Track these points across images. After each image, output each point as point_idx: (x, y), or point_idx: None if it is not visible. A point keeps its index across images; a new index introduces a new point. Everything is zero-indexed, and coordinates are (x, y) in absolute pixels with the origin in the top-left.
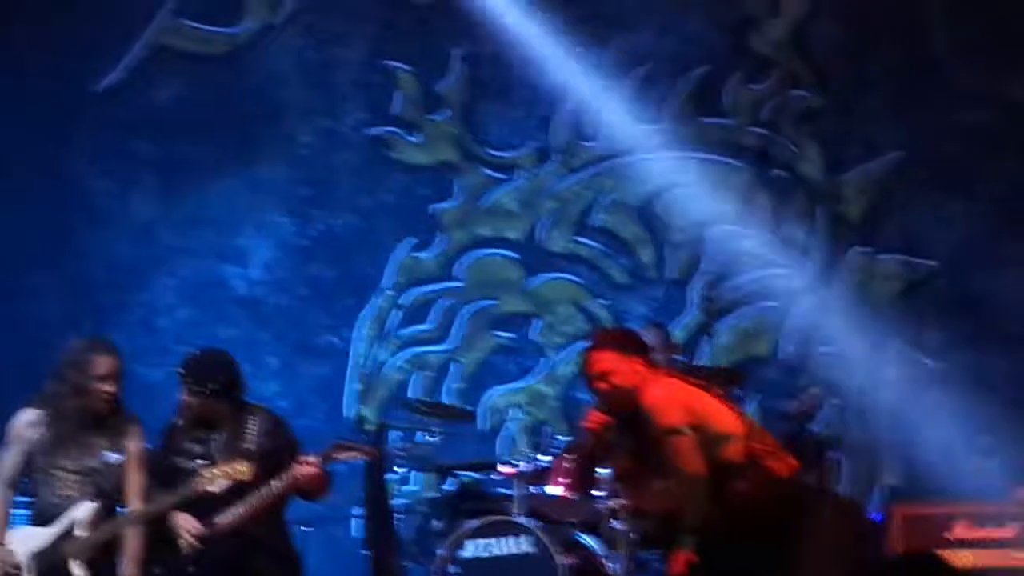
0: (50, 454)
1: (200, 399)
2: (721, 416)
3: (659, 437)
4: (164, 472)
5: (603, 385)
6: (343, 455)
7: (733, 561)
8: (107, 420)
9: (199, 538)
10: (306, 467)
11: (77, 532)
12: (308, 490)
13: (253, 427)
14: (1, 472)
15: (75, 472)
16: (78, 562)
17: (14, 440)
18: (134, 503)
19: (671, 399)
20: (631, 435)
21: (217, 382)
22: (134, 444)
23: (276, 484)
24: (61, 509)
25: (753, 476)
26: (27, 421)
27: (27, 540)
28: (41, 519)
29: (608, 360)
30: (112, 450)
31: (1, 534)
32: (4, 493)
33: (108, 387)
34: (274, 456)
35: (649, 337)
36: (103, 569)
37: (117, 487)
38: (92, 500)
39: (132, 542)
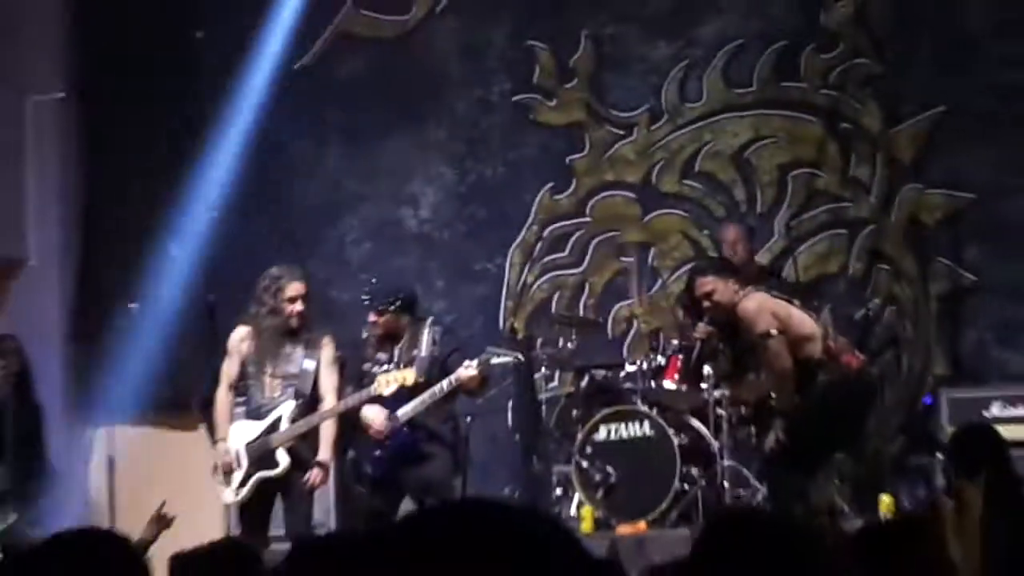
0: (258, 363)
1: (385, 316)
2: (802, 321)
3: (754, 341)
4: (358, 376)
5: (708, 303)
6: (496, 360)
7: (816, 437)
8: (301, 334)
9: (383, 428)
10: (467, 371)
11: (282, 425)
12: (470, 389)
13: (426, 338)
14: (224, 379)
15: (279, 377)
16: (283, 449)
17: (232, 352)
18: (329, 400)
19: (761, 309)
20: (731, 341)
21: (398, 300)
22: (326, 352)
23: (444, 384)
24: (269, 408)
25: (830, 369)
26: (239, 336)
27: (242, 433)
28: (253, 416)
29: (710, 283)
30: (307, 358)
31: (225, 430)
32: (227, 395)
33: (298, 307)
34: (443, 361)
35: (730, 233)
36: (303, 454)
37: (313, 387)
38: (292, 399)
39: (327, 432)
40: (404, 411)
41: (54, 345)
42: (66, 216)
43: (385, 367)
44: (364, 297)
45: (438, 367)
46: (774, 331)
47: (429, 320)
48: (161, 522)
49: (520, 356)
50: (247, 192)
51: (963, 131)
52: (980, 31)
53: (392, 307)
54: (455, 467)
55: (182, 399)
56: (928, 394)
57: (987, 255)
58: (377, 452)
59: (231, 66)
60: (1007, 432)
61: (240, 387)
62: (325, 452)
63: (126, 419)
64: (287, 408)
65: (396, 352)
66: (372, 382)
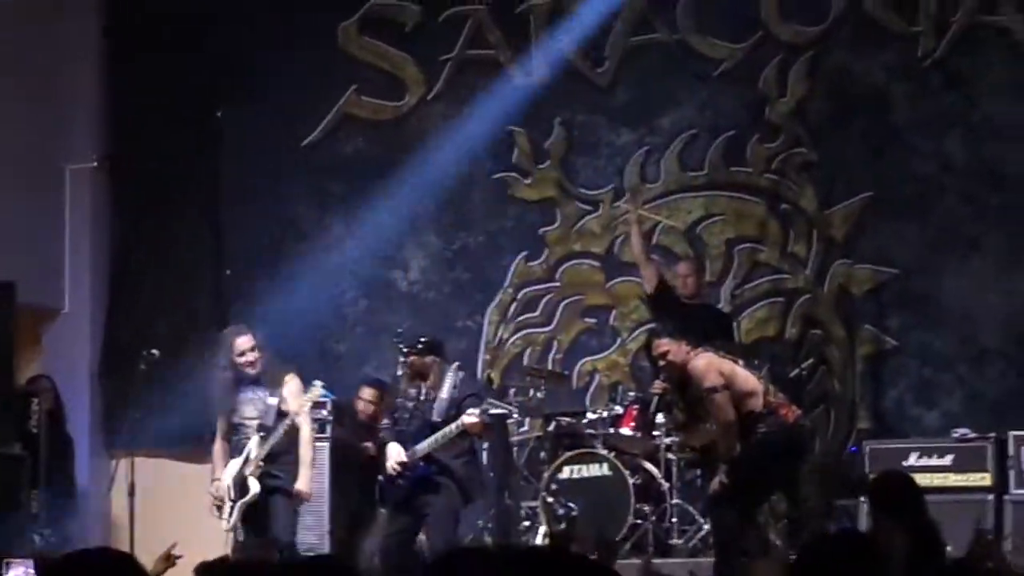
0: (236, 412)
1: (412, 357)
2: (746, 378)
3: (702, 395)
4: (392, 408)
5: (663, 361)
6: (494, 411)
7: (754, 480)
8: (262, 378)
9: (401, 463)
10: (470, 418)
11: (251, 458)
12: (474, 432)
13: (448, 381)
14: (218, 431)
15: (249, 419)
16: (252, 477)
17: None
18: (303, 429)
19: (709, 367)
20: (683, 394)
21: (423, 342)
22: (289, 386)
23: (453, 427)
24: (243, 446)
25: (769, 422)
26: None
27: (230, 470)
28: (237, 455)
29: (665, 344)
30: (270, 396)
31: (220, 471)
32: (220, 444)
33: (247, 358)
34: (459, 403)
35: (682, 268)
36: (273, 478)
37: (277, 422)
38: (258, 434)
39: (304, 457)
40: (421, 447)
41: (84, 384)
42: (97, 270)
43: (413, 402)
44: (396, 339)
45: (455, 408)
46: (719, 386)
47: (454, 365)
48: (168, 560)
49: (513, 410)
50: (258, 254)
51: (888, 213)
52: (904, 125)
53: (417, 348)
54: (462, 496)
55: (197, 435)
56: (853, 445)
57: (907, 323)
58: (400, 480)
59: (246, 139)
60: (922, 480)
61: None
62: (302, 480)
63: (147, 451)
64: (253, 443)
65: (423, 389)
66: (401, 415)
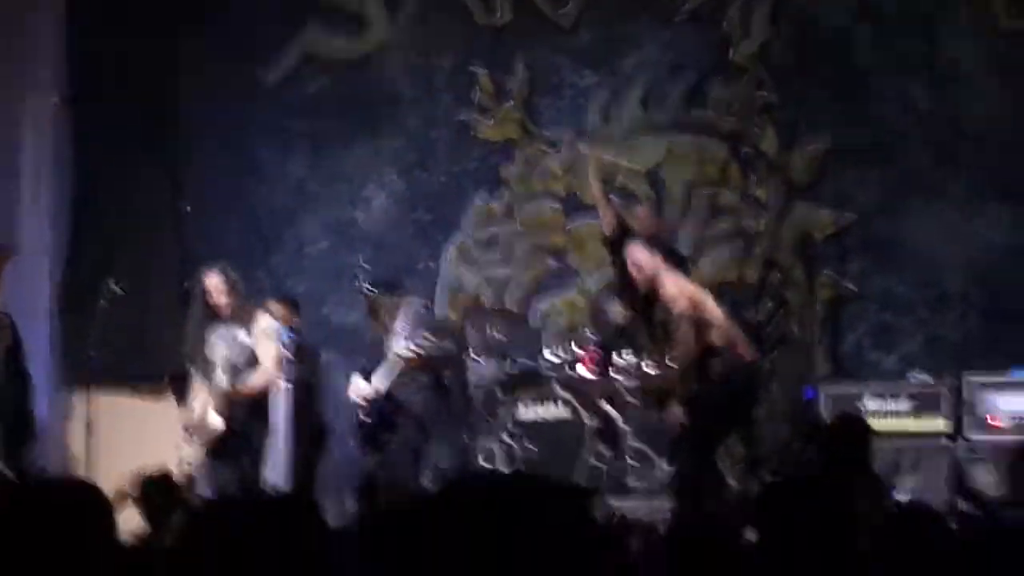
0: (206, 348)
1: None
2: (713, 309)
3: (668, 317)
4: None
5: (635, 269)
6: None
7: (709, 418)
8: (235, 316)
9: (364, 397)
10: (403, 351)
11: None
12: (411, 366)
13: (401, 315)
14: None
15: (219, 356)
16: (214, 413)
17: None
18: (262, 366)
19: (681, 291)
20: (646, 314)
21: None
22: (260, 324)
23: (390, 357)
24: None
25: (724, 359)
26: None
27: (201, 402)
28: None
29: (639, 252)
30: (243, 334)
31: (196, 403)
32: (197, 379)
33: (214, 300)
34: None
35: (640, 212)
36: (234, 415)
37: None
38: (224, 372)
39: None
40: (375, 383)
41: (43, 321)
42: (56, 206)
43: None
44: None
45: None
46: (686, 314)
47: (406, 300)
48: (123, 497)
49: (445, 347)
50: (220, 196)
51: (850, 158)
52: (867, 67)
53: (370, 291)
54: (421, 432)
55: (156, 372)
56: (810, 388)
57: (868, 268)
58: (363, 416)
59: (208, 78)
60: (879, 424)
61: None
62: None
63: (105, 387)
64: (220, 379)
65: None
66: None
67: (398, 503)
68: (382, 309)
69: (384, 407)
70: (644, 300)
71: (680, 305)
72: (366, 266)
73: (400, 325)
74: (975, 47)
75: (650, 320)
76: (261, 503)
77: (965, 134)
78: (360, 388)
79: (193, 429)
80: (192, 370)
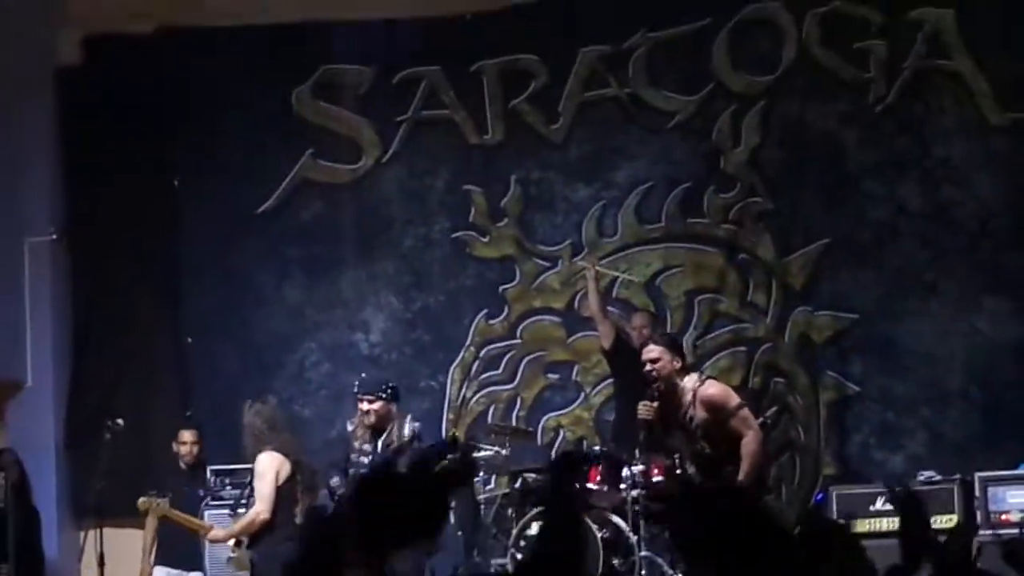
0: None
1: (377, 403)
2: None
3: (711, 420)
4: (344, 467)
5: (651, 367)
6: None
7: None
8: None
9: None
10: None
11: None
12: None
13: (407, 432)
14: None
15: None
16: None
17: None
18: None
19: (725, 388)
20: (662, 417)
21: (389, 388)
22: (257, 466)
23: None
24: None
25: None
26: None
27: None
28: None
29: (657, 352)
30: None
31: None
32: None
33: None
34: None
35: (637, 319)
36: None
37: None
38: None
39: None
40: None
41: (49, 456)
42: (58, 343)
43: (368, 458)
44: (356, 386)
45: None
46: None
47: (409, 416)
48: None
49: (501, 450)
50: (218, 321)
51: (846, 260)
52: (858, 171)
53: (384, 394)
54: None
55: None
56: (820, 491)
57: (869, 368)
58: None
59: (204, 208)
60: (889, 524)
61: None
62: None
63: (114, 520)
64: None
65: (380, 444)
66: (357, 472)
67: None
68: (390, 422)
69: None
70: (662, 401)
71: (734, 398)
72: (364, 375)
73: (404, 438)
74: (965, 144)
75: (663, 420)
76: None
77: (958, 231)
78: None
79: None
80: None
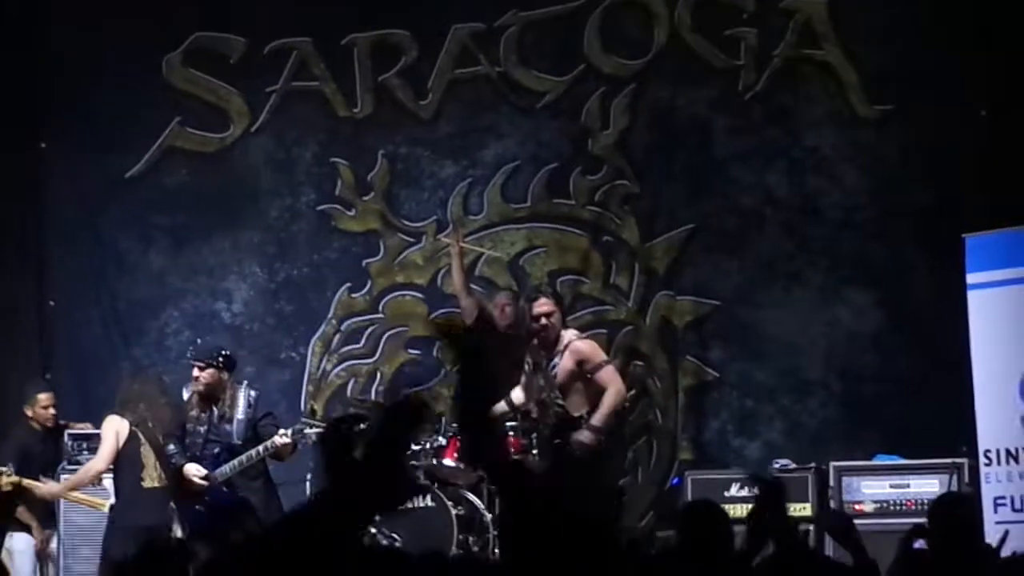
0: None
1: (208, 370)
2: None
3: (582, 373)
4: (180, 435)
5: (544, 322)
6: (308, 431)
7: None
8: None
9: (203, 484)
10: (282, 439)
11: None
12: (281, 455)
13: (242, 400)
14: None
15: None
16: None
17: None
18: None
19: (593, 345)
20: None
21: (221, 356)
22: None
23: (260, 449)
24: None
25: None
26: None
27: None
28: None
29: (548, 305)
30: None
31: None
32: None
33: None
34: (255, 424)
35: (500, 299)
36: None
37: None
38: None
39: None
40: (223, 471)
41: None
42: None
43: (205, 426)
44: (189, 353)
45: (252, 429)
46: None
47: (245, 383)
48: None
49: (328, 427)
50: (82, 287)
51: (710, 246)
52: (726, 159)
53: (215, 362)
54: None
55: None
56: (676, 476)
57: (729, 354)
58: (197, 506)
59: (70, 173)
60: (743, 511)
61: None
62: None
63: None
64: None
65: (215, 412)
66: (193, 440)
67: None
68: (223, 391)
69: (224, 498)
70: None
71: (600, 354)
72: (199, 340)
73: (243, 411)
74: (832, 135)
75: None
76: None
77: (823, 221)
78: (197, 475)
79: None
80: None
